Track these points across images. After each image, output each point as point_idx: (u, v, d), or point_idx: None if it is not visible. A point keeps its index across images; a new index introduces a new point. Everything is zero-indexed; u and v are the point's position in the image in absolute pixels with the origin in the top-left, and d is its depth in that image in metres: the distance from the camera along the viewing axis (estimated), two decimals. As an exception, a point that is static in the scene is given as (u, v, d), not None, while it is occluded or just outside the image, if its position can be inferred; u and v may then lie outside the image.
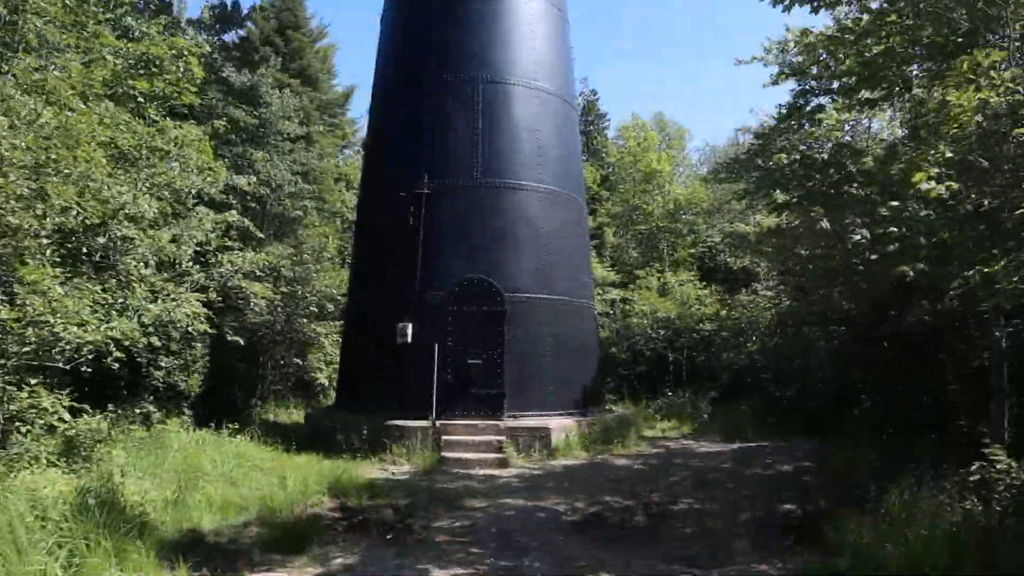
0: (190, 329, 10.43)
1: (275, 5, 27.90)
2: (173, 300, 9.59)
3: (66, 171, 7.64)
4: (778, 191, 13.15)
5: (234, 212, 14.71)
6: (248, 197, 21.19)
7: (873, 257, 7.15)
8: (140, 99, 10.20)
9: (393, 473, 12.07)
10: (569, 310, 15.03)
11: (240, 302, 21.02)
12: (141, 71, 10.23)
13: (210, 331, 12.09)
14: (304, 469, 11.52)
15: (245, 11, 22.53)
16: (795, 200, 9.98)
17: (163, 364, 14.79)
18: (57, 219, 7.77)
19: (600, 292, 24.52)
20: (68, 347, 7.84)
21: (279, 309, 20.97)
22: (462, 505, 9.68)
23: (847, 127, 20.41)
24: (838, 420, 14.53)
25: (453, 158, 14.86)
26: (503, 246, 14.49)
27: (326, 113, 26.80)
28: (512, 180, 14.80)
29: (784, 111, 29.22)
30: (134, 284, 9.59)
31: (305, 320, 21.04)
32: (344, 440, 13.33)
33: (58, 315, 7.46)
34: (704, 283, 24.63)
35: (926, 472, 7.76)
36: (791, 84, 22.99)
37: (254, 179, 13.54)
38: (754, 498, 9.90)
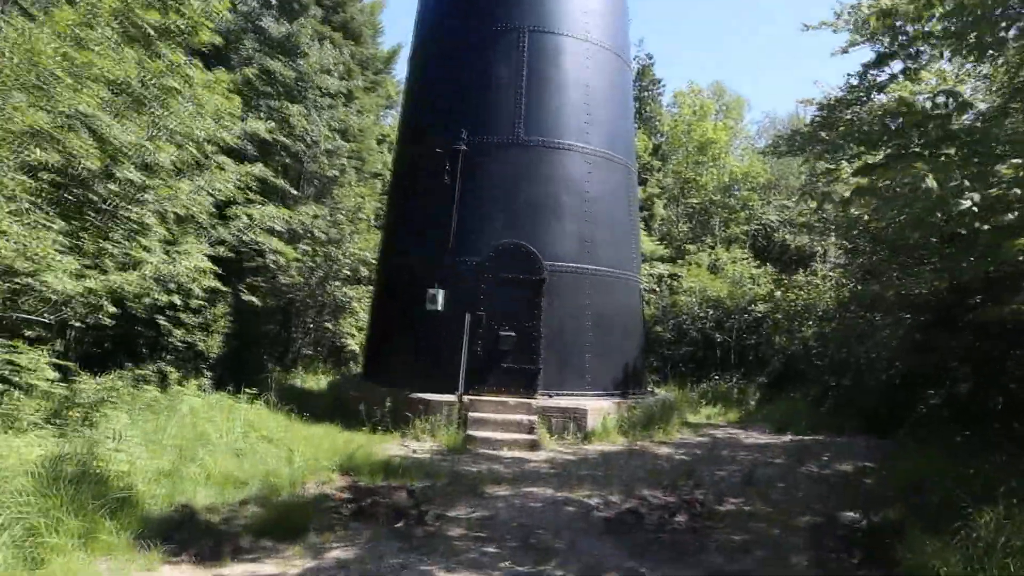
0: (194, 286, 9.54)
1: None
2: (179, 252, 8.71)
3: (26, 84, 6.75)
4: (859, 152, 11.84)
5: (259, 165, 13.78)
6: (281, 152, 20.43)
7: (985, 228, 5.93)
8: (152, 34, 9.29)
9: (414, 451, 11.18)
10: (613, 283, 13.90)
11: (272, 263, 20.40)
12: (155, 3, 9.33)
13: (222, 288, 11.26)
14: (318, 442, 10.71)
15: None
16: (888, 156, 8.64)
17: (184, 322, 14.17)
18: (33, 154, 6.89)
19: (647, 267, 23.31)
20: (41, 297, 6.98)
21: (311, 271, 20.27)
22: (483, 492, 8.72)
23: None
24: (901, 416, 13.26)
25: (494, 114, 13.75)
26: (544, 210, 13.40)
27: (368, 69, 25.80)
28: (557, 140, 13.65)
29: (855, 80, 27.46)
30: (138, 235, 8.74)
31: (338, 283, 20.28)
32: (366, 412, 12.47)
33: (27, 261, 6.61)
34: (758, 262, 23.22)
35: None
36: (861, 54, 21.25)
37: (272, 124, 12.47)
38: (811, 502, 8.76)
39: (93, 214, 9.20)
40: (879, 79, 28.26)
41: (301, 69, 20.20)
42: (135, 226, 8.80)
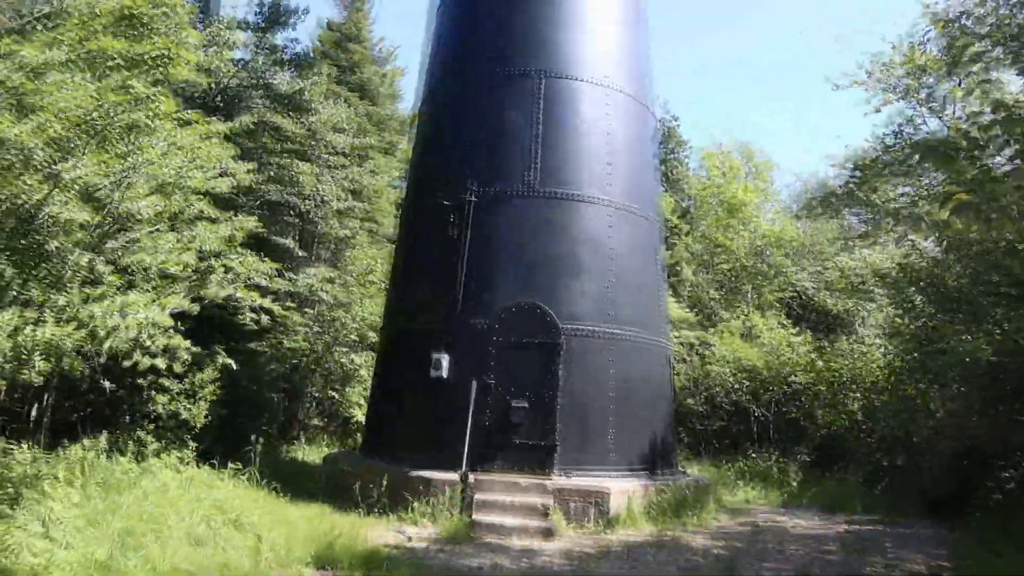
0: (152, 344, 8.30)
1: (338, 20, 26.66)
2: (128, 305, 7.52)
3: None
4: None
5: (252, 219, 12.73)
6: (290, 212, 19.54)
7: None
8: (120, 64, 8.32)
9: (409, 538, 9.69)
10: (638, 348, 12.49)
11: (279, 327, 19.25)
12: (123, 31, 8.41)
13: (193, 349, 10.05)
14: (297, 527, 9.28)
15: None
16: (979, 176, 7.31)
17: (167, 387, 12.96)
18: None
19: (675, 334, 21.81)
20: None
21: (318, 336, 19.10)
22: (482, 597, 7.22)
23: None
24: (968, 499, 11.59)
25: (506, 163, 12.65)
26: (561, 268, 12.12)
27: (385, 131, 25.15)
28: (575, 191, 12.47)
29: (888, 138, 26.21)
30: (87, 286, 7.57)
31: (345, 350, 19.05)
32: (360, 492, 11.04)
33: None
34: (796, 328, 21.66)
35: None
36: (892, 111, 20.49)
37: (252, 166, 11.42)
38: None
39: (44, 262, 8.08)
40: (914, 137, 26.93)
41: (312, 127, 19.44)
42: (85, 275, 7.65)
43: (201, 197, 11.74)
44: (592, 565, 8.63)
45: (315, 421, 21.25)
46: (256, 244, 19.70)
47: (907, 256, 13.54)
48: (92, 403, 14.38)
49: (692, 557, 9.25)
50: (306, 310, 20.70)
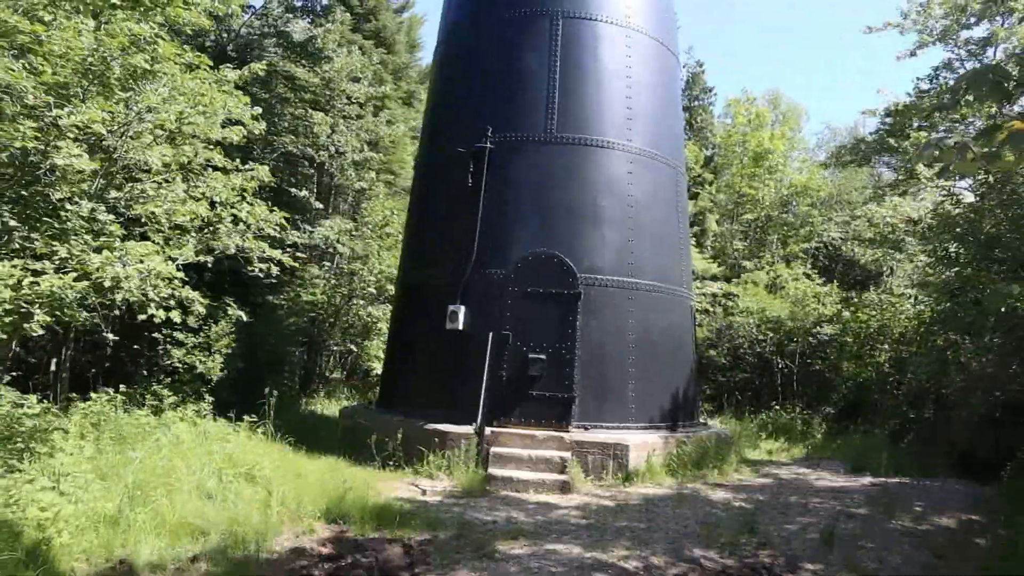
0: (153, 293, 8.08)
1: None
2: (128, 255, 7.28)
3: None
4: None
5: (264, 168, 12.44)
6: (306, 163, 19.24)
7: None
8: (116, 3, 7.98)
9: (424, 491, 9.56)
10: (660, 299, 12.16)
11: (296, 280, 19.12)
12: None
13: (200, 300, 9.85)
14: (308, 481, 9.17)
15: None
16: None
17: (182, 341, 12.89)
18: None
19: (698, 286, 21.42)
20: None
21: (335, 289, 18.96)
22: (495, 551, 7.03)
23: None
24: (1004, 457, 11.21)
25: (523, 109, 12.22)
26: (580, 217, 11.76)
27: (402, 79, 24.61)
28: (594, 136, 12.04)
29: (924, 84, 25.23)
30: (78, 233, 7.34)
31: (363, 303, 18.90)
32: (376, 445, 10.90)
33: None
34: (823, 279, 21.14)
35: None
36: (931, 55, 19.40)
37: (257, 111, 11.07)
38: (914, 571, 6.89)
39: (48, 214, 7.88)
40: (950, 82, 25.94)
41: (327, 75, 19.02)
42: (84, 224, 7.42)
43: (212, 147, 11.49)
44: (609, 519, 8.43)
45: (336, 374, 21.25)
46: (273, 195, 19.53)
47: (941, 203, 12.96)
48: (110, 357, 14.39)
49: (712, 511, 9.03)
50: (325, 263, 20.57)
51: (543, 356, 11.02)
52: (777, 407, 18.09)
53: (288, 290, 18.79)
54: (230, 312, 13.60)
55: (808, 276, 21.23)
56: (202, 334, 12.97)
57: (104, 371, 14.45)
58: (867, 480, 11.61)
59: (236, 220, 10.25)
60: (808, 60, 67.16)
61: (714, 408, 18.52)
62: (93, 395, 10.74)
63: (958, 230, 11.83)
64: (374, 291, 19.01)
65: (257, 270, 10.71)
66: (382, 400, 13.45)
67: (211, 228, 9.98)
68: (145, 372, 13.82)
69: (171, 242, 9.82)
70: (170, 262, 8.42)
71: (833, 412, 17.79)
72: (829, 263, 25.72)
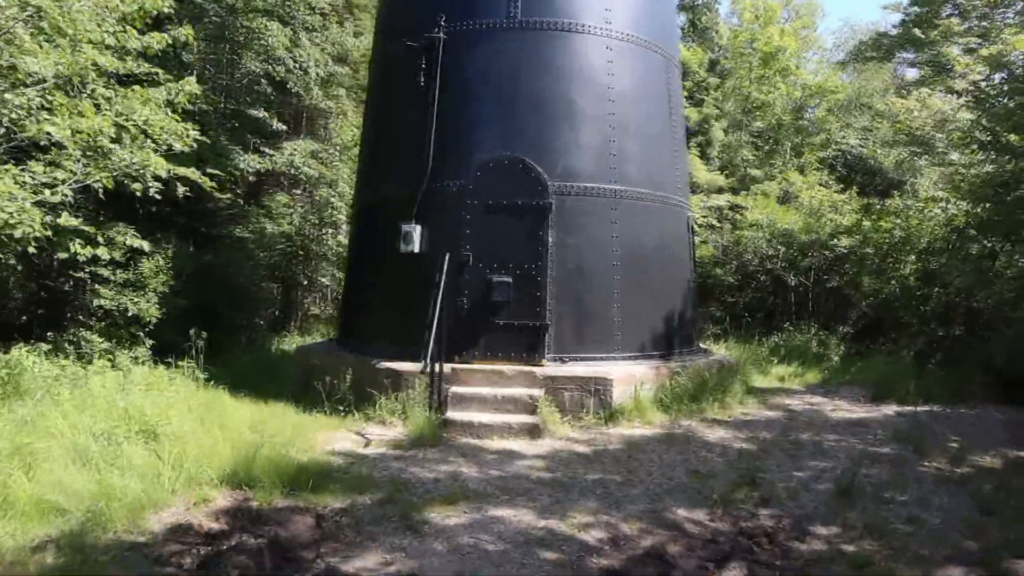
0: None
1: None
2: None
3: None
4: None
5: (192, 79, 10.73)
6: (262, 80, 17.40)
7: None
8: None
9: (368, 442, 8.12)
10: (649, 209, 10.46)
11: (261, 209, 17.53)
12: None
13: (87, 230, 8.30)
14: (230, 434, 7.75)
15: None
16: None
17: (107, 278, 11.43)
18: None
19: (703, 198, 19.58)
20: None
21: (303, 217, 17.36)
22: (426, 520, 5.59)
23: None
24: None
25: (482, -10, 10.35)
26: (552, 115, 9.99)
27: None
28: (566, 20, 10.17)
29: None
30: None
31: (332, 230, 17.30)
32: (326, 387, 9.45)
33: None
34: (841, 186, 19.26)
35: None
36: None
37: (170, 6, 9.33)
38: (956, 533, 5.36)
39: None
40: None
41: (282, -23, 17.00)
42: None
43: (125, 57, 9.81)
44: (580, 471, 6.95)
45: (314, 310, 19.82)
46: (231, 115, 17.80)
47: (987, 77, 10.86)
48: (39, 302, 12.95)
49: (707, 456, 7.52)
50: (295, 191, 18.94)
51: (509, 279, 9.41)
52: (791, 328, 16.48)
53: (251, 221, 17.22)
54: (168, 248, 12.11)
55: (823, 185, 19.34)
56: (130, 271, 11.48)
57: (39, 318, 13.06)
58: (891, 409, 10.08)
59: (134, 135, 8.54)
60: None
61: (721, 332, 16.93)
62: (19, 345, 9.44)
63: (1013, 103, 9.69)
64: (345, 217, 17.38)
65: (154, 192, 9.04)
66: (340, 336, 11.97)
67: (99, 146, 8.29)
68: (73, 316, 12.43)
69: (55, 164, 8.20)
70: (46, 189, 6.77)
71: (852, 332, 16.19)
72: (848, 172, 23.68)
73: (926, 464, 7.08)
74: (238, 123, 17.93)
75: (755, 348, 15.24)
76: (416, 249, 9.85)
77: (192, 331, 9.85)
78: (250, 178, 17.75)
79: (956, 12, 21.85)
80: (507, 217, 9.56)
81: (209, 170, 11.28)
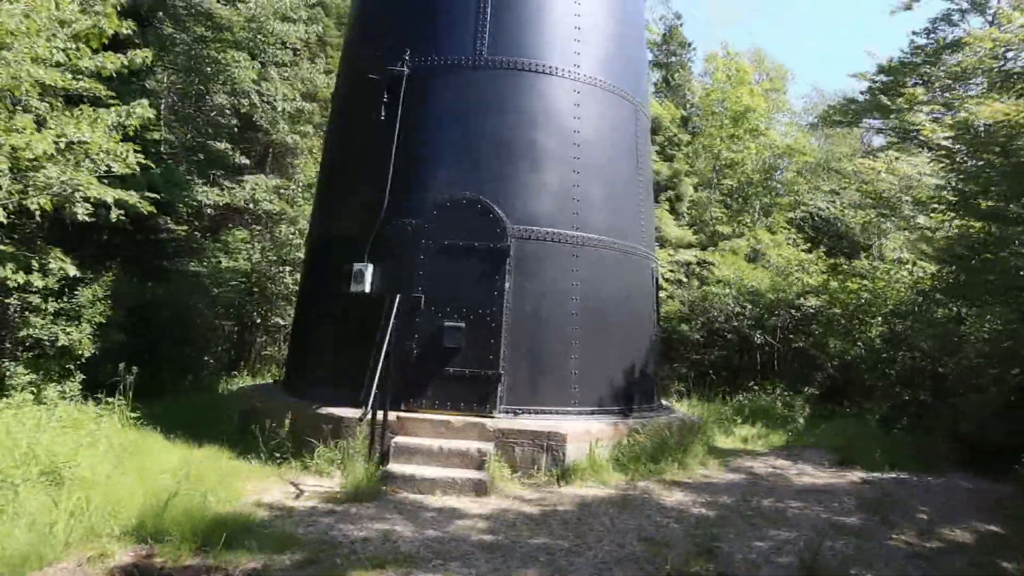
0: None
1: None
2: None
3: None
4: None
5: (144, 103, 10.29)
6: (226, 113, 17.01)
7: None
8: None
9: (300, 493, 7.51)
10: (612, 258, 10.10)
11: (217, 243, 16.97)
12: None
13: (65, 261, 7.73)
14: (147, 481, 7.12)
15: None
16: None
17: (37, 307, 10.75)
18: None
19: (670, 253, 19.37)
20: None
21: (262, 253, 16.80)
22: (344, 590, 5.01)
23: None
24: (1018, 447, 9.27)
25: (448, 27, 10.09)
26: (514, 156, 9.65)
27: (344, 24, 22.24)
28: (534, 60, 9.91)
29: (921, 39, 23.17)
30: None
31: (290, 268, 16.75)
32: (263, 432, 8.84)
33: None
34: (808, 245, 19.15)
35: None
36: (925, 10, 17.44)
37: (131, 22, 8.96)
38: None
39: None
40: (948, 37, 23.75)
41: (250, 10, 16.73)
42: None
43: (78, 76, 9.41)
44: (525, 534, 6.40)
45: (268, 351, 19.11)
46: (196, 148, 17.34)
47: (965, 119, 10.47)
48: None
49: (662, 521, 7.01)
50: (255, 228, 18.40)
51: (462, 324, 8.93)
52: (756, 388, 16.12)
53: (206, 256, 16.64)
54: (107, 277, 11.48)
55: (792, 242, 19.26)
56: (64, 300, 10.82)
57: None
58: (857, 476, 9.65)
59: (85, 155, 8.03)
60: (795, 21, 64.80)
61: (686, 389, 16.53)
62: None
63: (996, 149, 9.28)
64: (302, 255, 16.84)
65: (82, 215, 8.51)
66: (286, 378, 11.35)
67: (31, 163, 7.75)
68: (7, 346, 11.72)
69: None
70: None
71: (817, 393, 15.88)
72: (815, 234, 23.72)
73: (894, 536, 6.63)
74: (202, 156, 17.50)
75: (719, 407, 14.84)
76: (367, 289, 9.36)
77: (121, 366, 9.22)
78: (209, 211, 17.23)
79: (921, 83, 22.23)
80: (463, 259, 9.13)
81: (152, 195, 10.76)
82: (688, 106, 24.36)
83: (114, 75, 10.28)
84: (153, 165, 10.49)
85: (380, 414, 8.40)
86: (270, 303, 17.05)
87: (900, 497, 8.24)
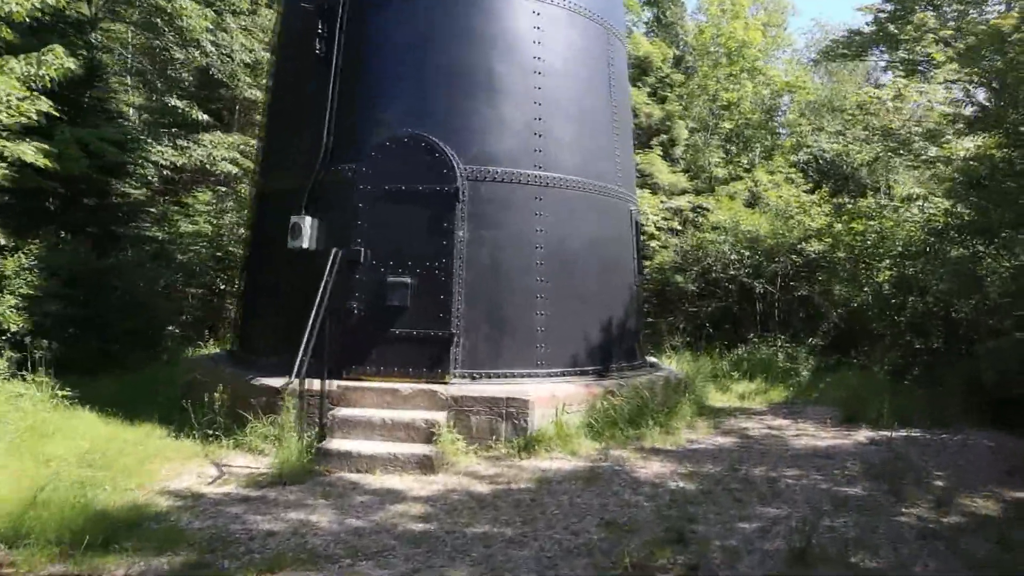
0: None
1: None
2: None
3: None
4: None
5: (58, 49, 9.22)
6: (174, 65, 15.87)
7: None
8: None
9: (219, 477, 6.57)
10: (585, 200, 8.99)
11: (179, 207, 15.95)
12: None
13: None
14: (38, 469, 6.21)
15: None
16: None
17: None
18: None
19: (662, 198, 18.16)
20: None
21: (220, 216, 15.75)
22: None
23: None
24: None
25: (389, -58, 8.87)
26: (467, 88, 8.50)
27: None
28: (487, -23, 8.72)
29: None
30: None
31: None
32: (206, 406, 7.89)
33: None
34: (811, 185, 17.93)
35: None
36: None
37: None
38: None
39: None
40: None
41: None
42: None
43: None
44: (465, 521, 5.42)
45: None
46: (155, 108, 16.25)
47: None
48: None
49: (632, 498, 6.00)
50: (220, 189, 17.31)
51: (409, 279, 7.87)
52: (756, 340, 15.05)
53: (171, 220, 15.61)
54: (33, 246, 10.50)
55: (791, 180, 18.03)
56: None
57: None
58: (863, 435, 8.62)
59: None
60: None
61: (682, 344, 15.48)
62: None
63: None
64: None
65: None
66: (235, 347, 10.37)
67: None
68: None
69: None
70: None
71: (822, 344, 14.79)
72: (820, 177, 22.38)
73: (905, 511, 5.61)
74: (159, 115, 16.41)
75: (716, 361, 13.80)
76: (307, 244, 8.31)
77: (47, 342, 8.30)
78: (167, 172, 16.16)
79: (930, 7, 20.76)
80: (408, 206, 8.04)
81: (75, 154, 9.72)
82: (682, 44, 22.93)
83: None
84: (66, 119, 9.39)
85: (318, 383, 7.42)
86: (237, 268, 16.03)
87: (912, 460, 7.20)
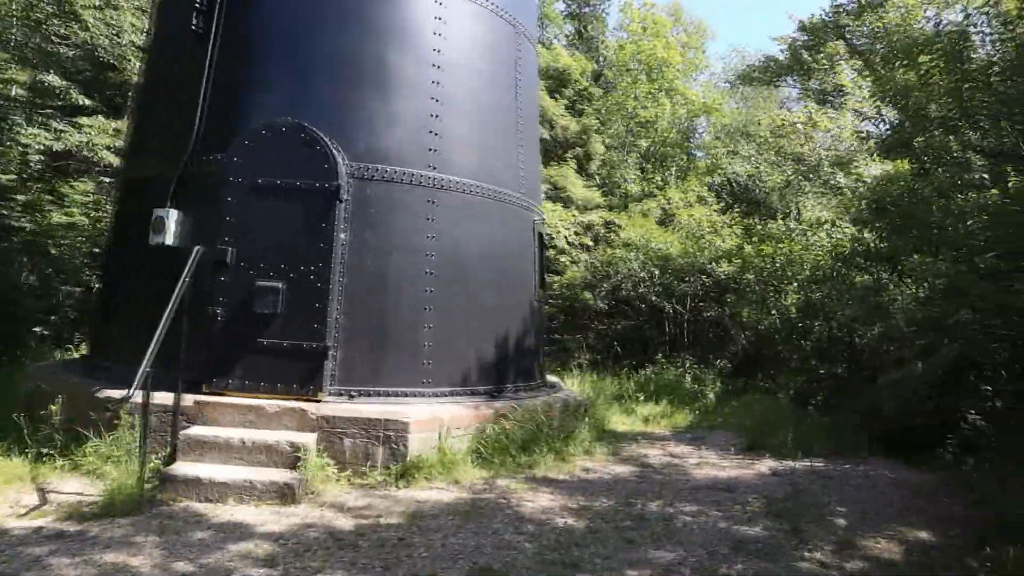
0: None
1: None
2: None
3: None
4: None
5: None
6: (52, 41, 14.58)
7: None
8: None
9: (35, 507, 5.63)
10: (483, 206, 8.36)
11: (53, 197, 14.63)
12: None
13: None
14: None
15: None
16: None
17: None
18: None
19: (575, 215, 17.74)
20: None
21: (98, 206, 14.52)
22: None
23: None
24: (945, 429, 7.99)
25: (276, -85, 8.10)
26: (354, 76, 7.79)
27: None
28: (383, -41, 8.03)
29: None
30: None
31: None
32: (32, 421, 6.88)
33: None
34: (722, 204, 17.83)
35: None
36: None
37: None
38: None
39: None
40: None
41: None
42: None
43: None
44: (317, 564, 4.67)
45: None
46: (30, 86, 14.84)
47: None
48: None
49: (513, 538, 5.34)
50: (103, 179, 16.01)
51: (279, 284, 7.06)
52: (664, 361, 14.72)
53: (39, 211, 14.27)
54: None
55: (702, 199, 17.90)
56: None
57: None
58: (766, 465, 8.22)
59: None
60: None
61: (588, 363, 15.03)
62: None
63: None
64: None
65: None
66: (89, 352, 9.30)
67: None
68: None
69: None
70: None
71: (730, 367, 14.59)
72: (732, 201, 22.48)
73: (807, 555, 5.12)
74: (35, 93, 15.00)
75: (622, 382, 13.37)
76: (171, 241, 7.40)
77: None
78: (40, 158, 14.79)
79: (843, 40, 21.19)
80: (284, 203, 7.24)
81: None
82: (602, 59, 22.72)
83: None
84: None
85: (172, 397, 6.54)
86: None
87: (814, 493, 6.80)
